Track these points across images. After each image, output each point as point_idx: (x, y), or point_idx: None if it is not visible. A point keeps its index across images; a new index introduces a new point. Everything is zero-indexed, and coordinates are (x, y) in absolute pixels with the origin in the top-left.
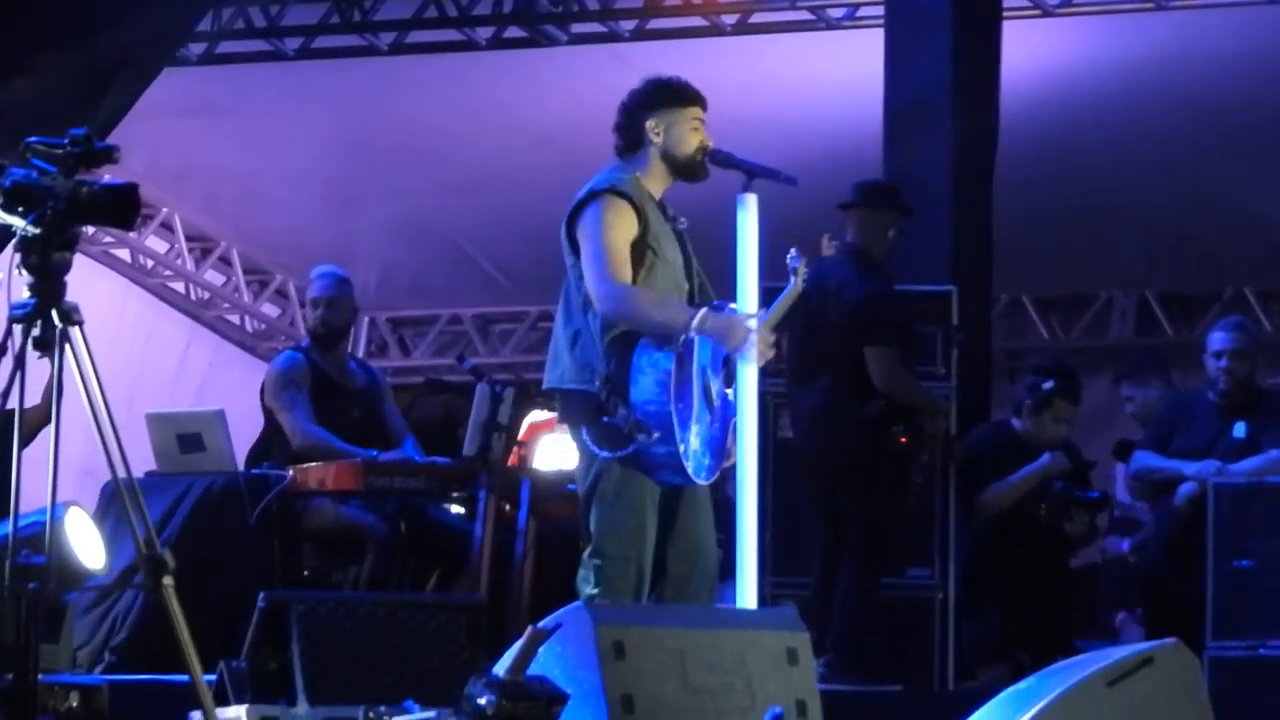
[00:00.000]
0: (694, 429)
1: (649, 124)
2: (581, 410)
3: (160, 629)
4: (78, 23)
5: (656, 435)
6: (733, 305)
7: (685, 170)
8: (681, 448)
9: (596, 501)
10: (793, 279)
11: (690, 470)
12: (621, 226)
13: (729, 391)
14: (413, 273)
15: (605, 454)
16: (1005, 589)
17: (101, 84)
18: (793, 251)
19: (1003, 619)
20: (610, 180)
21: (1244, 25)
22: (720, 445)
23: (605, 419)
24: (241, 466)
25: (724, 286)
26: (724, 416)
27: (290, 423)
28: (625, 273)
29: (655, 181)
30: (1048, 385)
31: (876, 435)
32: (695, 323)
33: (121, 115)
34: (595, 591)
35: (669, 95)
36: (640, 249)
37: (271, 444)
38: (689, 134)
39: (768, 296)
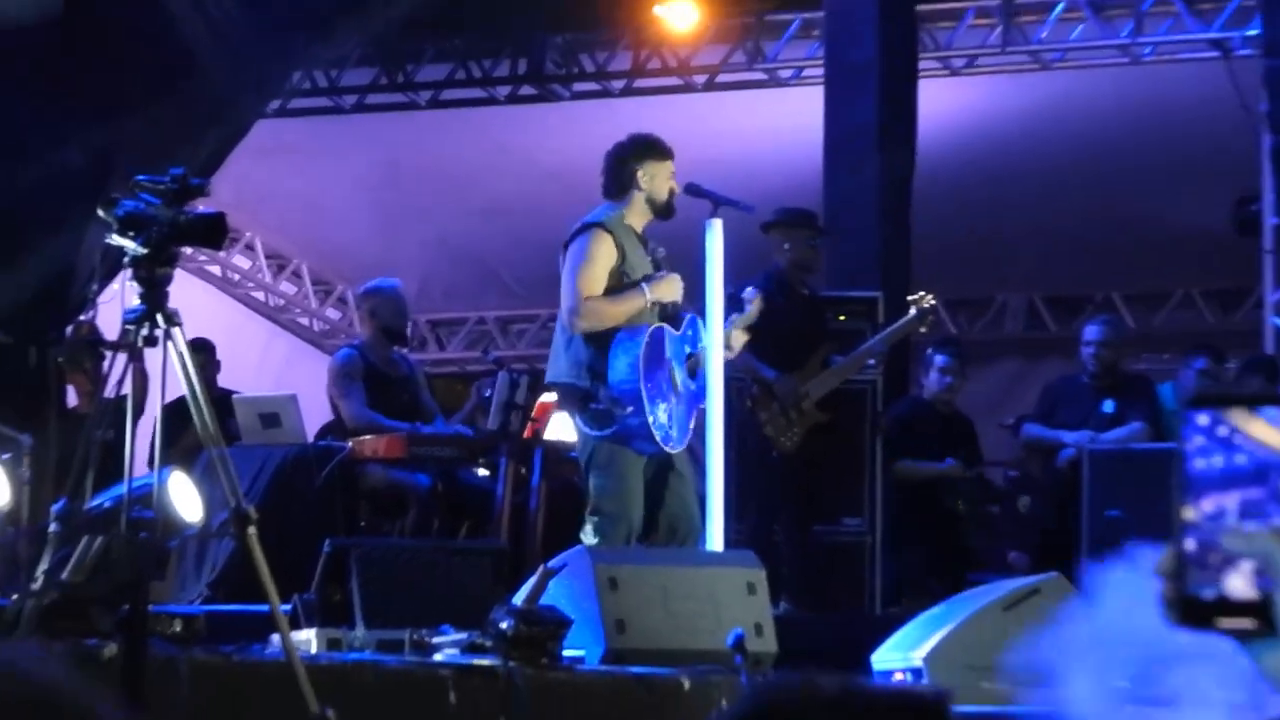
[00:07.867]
0: (661, 406)
1: (639, 172)
2: (573, 399)
3: (246, 569)
4: (181, 75)
5: (630, 409)
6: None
7: (662, 210)
8: (650, 419)
9: (592, 471)
10: (748, 307)
11: (659, 439)
12: (600, 258)
13: (692, 384)
14: (446, 282)
15: (594, 434)
16: (922, 535)
17: (202, 129)
18: (748, 289)
19: (922, 558)
20: (600, 217)
21: (1113, 83)
22: (686, 422)
23: (592, 405)
24: (311, 439)
25: (694, 298)
26: (689, 401)
27: (347, 409)
28: (593, 292)
29: (637, 218)
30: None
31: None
32: (650, 293)
33: (223, 157)
34: (595, 541)
35: (656, 150)
36: (618, 275)
37: (336, 421)
38: (666, 181)
39: (733, 303)
